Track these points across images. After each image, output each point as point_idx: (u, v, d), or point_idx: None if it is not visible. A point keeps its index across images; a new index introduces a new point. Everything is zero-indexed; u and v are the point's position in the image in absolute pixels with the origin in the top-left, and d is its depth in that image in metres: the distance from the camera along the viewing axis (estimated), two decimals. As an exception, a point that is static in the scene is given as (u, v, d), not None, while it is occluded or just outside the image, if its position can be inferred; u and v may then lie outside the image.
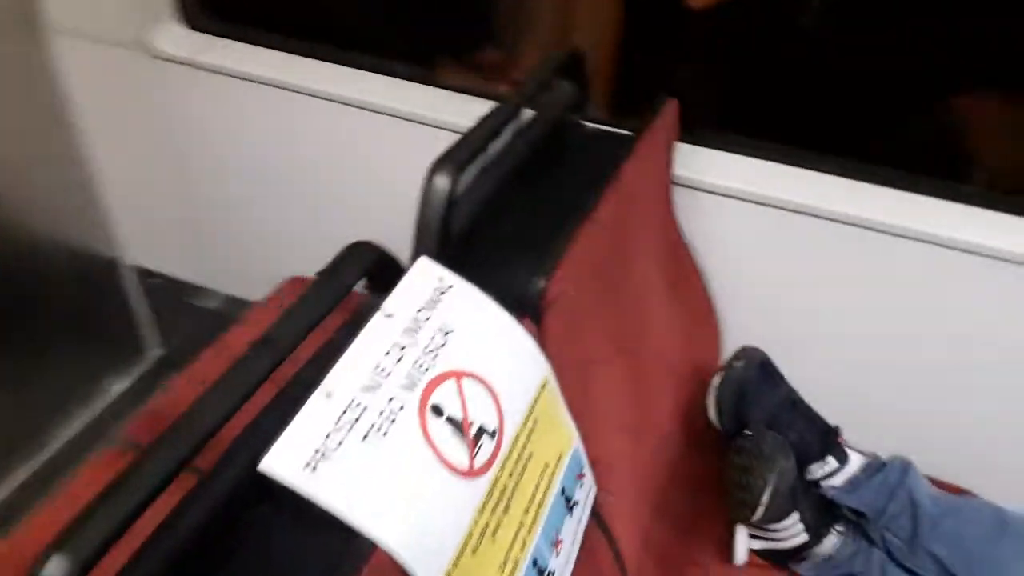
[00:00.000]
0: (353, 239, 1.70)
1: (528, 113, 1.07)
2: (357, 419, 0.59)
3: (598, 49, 1.47)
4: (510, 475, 0.68)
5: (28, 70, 1.54)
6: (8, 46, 1.49)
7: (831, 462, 1.06)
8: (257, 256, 1.73)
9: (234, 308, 1.85)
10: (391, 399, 0.62)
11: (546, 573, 0.74)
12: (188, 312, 1.90)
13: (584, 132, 1.21)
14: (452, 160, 0.85)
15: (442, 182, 0.83)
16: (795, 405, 1.09)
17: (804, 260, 1.24)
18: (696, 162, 1.22)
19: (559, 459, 0.76)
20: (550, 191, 1.03)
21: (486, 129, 0.91)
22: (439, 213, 0.83)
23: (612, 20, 1.43)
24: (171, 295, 1.89)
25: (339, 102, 1.40)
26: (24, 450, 1.71)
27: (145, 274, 1.88)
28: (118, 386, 1.89)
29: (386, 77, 1.39)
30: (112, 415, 1.85)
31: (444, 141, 1.03)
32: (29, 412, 1.71)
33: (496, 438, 0.67)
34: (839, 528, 1.05)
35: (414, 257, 0.83)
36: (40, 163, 1.63)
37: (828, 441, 1.07)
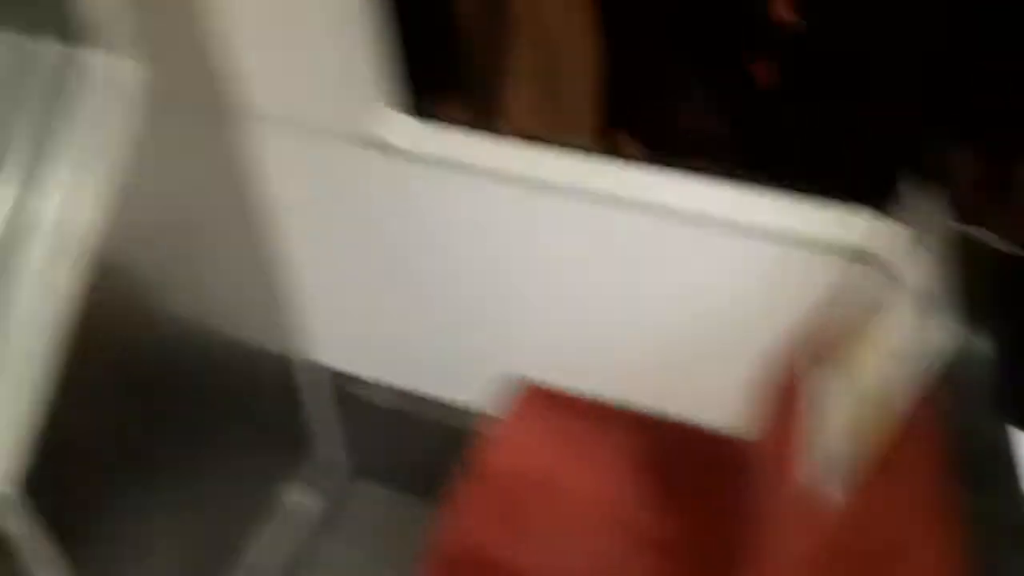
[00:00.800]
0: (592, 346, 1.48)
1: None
2: None
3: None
4: None
5: (218, 157, 1.38)
6: (198, 129, 1.33)
7: None
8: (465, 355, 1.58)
9: (412, 404, 1.68)
10: None
11: None
12: (366, 411, 1.73)
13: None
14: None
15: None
16: None
17: None
18: None
19: None
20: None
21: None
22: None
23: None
24: (346, 393, 1.73)
25: (601, 202, 1.26)
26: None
27: (336, 377, 1.71)
28: (309, 502, 1.72)
29: (681, 173, 1.23)
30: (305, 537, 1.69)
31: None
32: (212, 535, 1.53)
33: None
34: None
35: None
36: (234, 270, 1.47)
37: None
